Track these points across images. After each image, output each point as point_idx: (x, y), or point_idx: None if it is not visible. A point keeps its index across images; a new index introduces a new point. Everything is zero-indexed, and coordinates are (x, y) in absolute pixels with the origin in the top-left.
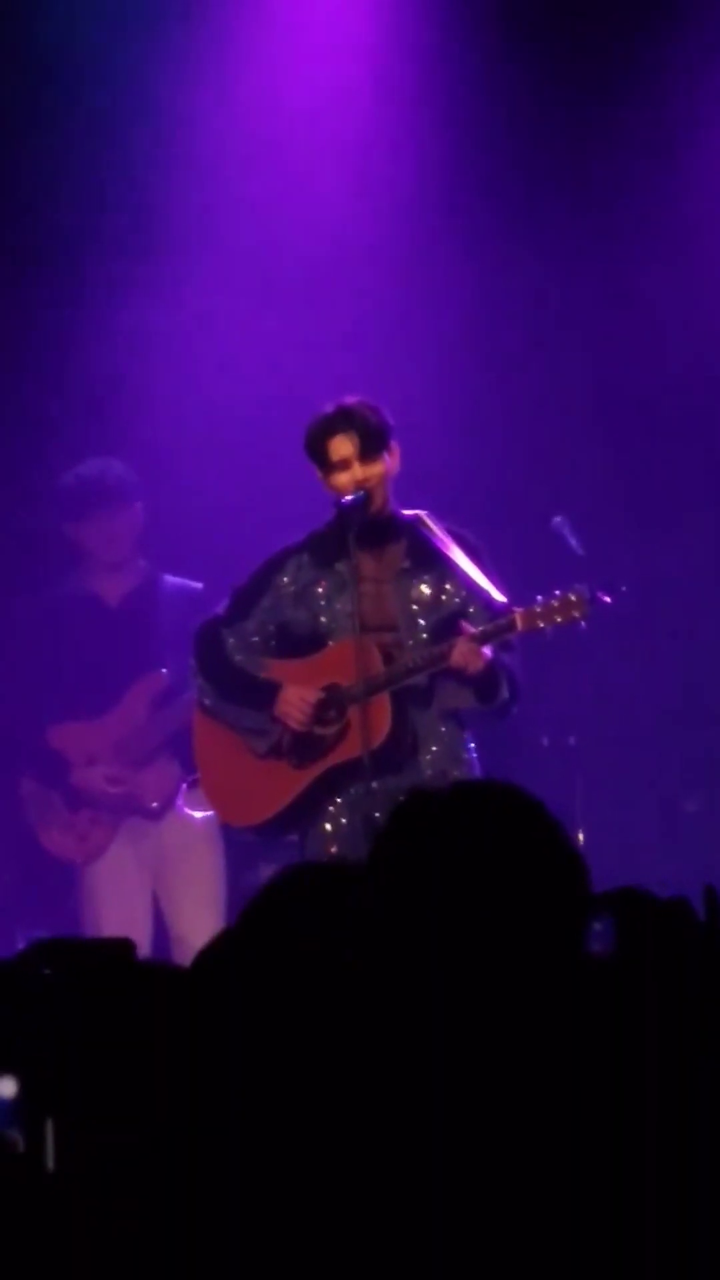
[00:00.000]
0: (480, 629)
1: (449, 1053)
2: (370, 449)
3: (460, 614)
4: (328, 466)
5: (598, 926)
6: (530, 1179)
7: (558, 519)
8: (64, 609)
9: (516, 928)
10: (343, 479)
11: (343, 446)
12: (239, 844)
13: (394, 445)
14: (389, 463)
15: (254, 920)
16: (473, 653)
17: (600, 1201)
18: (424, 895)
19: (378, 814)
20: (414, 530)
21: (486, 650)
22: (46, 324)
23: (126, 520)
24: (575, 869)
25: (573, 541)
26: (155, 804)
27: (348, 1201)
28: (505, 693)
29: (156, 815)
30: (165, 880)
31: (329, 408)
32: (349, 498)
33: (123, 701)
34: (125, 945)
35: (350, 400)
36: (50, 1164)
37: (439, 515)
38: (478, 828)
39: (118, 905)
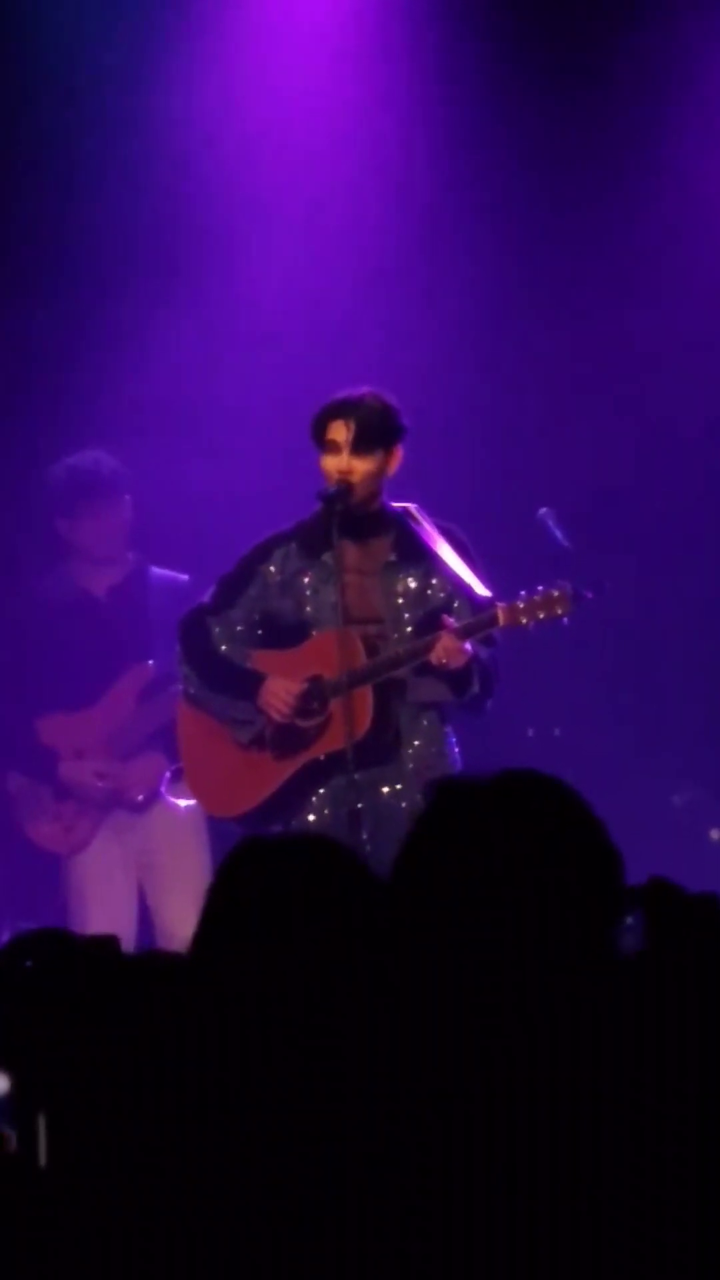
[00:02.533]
0: (463, 624)
1: (477, 1045)
2: (364, 442)
3: (445, 608)
4: (321, 447)
5: (628, 920)
6: (555, 1179)
7: (543, 510)
8: (52, 602)
9: (553, 919)
10: (330, 463)
11: (338, 431)
12: (225, 835)
13: (398, 448)
14: (384, 461)
15: (218, 903)
16: (455, 650)
17: (628, 1201)
18: (460, 882)
19: (360, 805)
20: (402, 523)
21: (467, 645)
22: (41, 318)
23: (117, 514)
24: (612, 865)
25: (558, 533)
26: (140, 796)
27: (352, 1198)
28: (476, 687)
29: (142, 807)
30: (151, 872)
31: (341, 392)
32: (330, 488)
33: (110, 694)
34: (110, 941)
35: (364, 389)
36: (43, 1161)
37: (427, 508)
38: (518, 817)
39: (103, 897)
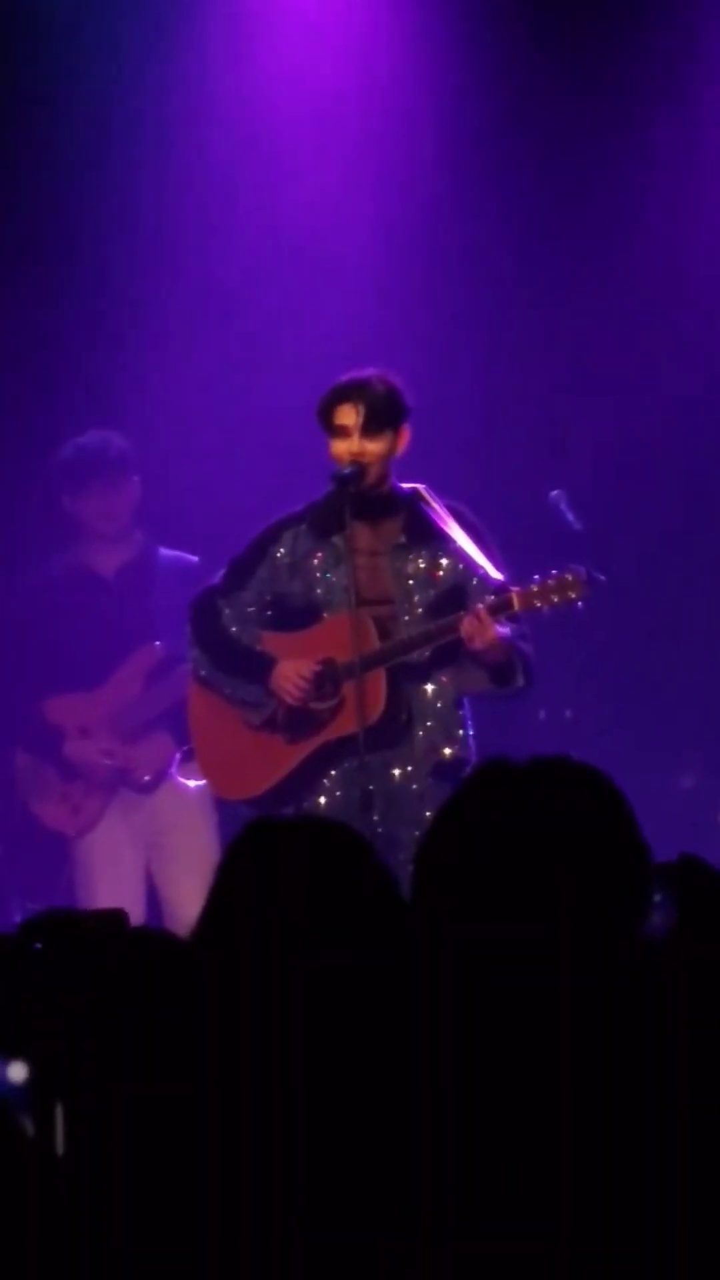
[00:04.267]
0: (484, 605)
1: (493, 1033)
2: (374, 424)
3: (456, 589)
4: (330, 432)
5: (657, 898)
6: (588, 1165)
7: (555, 493)
8: (60, 582)
9: (576, 908)
10: (340, 447)
11: (347, 415)
12: (234, 815)
13: (405, 427)
14: (393, 442)
15: (225, 885)
16: (482, 625)
17: (665, 1188)
18: (485, 865)
19: (371, 787)
20: (412, 505)
21: (503, 629)
22: (47, 304)
23: (125, 494)
24: (640, 861)
25: (570, 516)
26: (147, 777)
27: (364, 1184)
28: (521, 680)
29: (149, 788)
30: (159, 852)
31: (346, 376)
32: (344, 470)
33: (117, 674)
34: (117, 916)
35: (368, 372)
36: (60, 1149)
37: (437, 490)
38: (551, 803)
39: (110, 877)
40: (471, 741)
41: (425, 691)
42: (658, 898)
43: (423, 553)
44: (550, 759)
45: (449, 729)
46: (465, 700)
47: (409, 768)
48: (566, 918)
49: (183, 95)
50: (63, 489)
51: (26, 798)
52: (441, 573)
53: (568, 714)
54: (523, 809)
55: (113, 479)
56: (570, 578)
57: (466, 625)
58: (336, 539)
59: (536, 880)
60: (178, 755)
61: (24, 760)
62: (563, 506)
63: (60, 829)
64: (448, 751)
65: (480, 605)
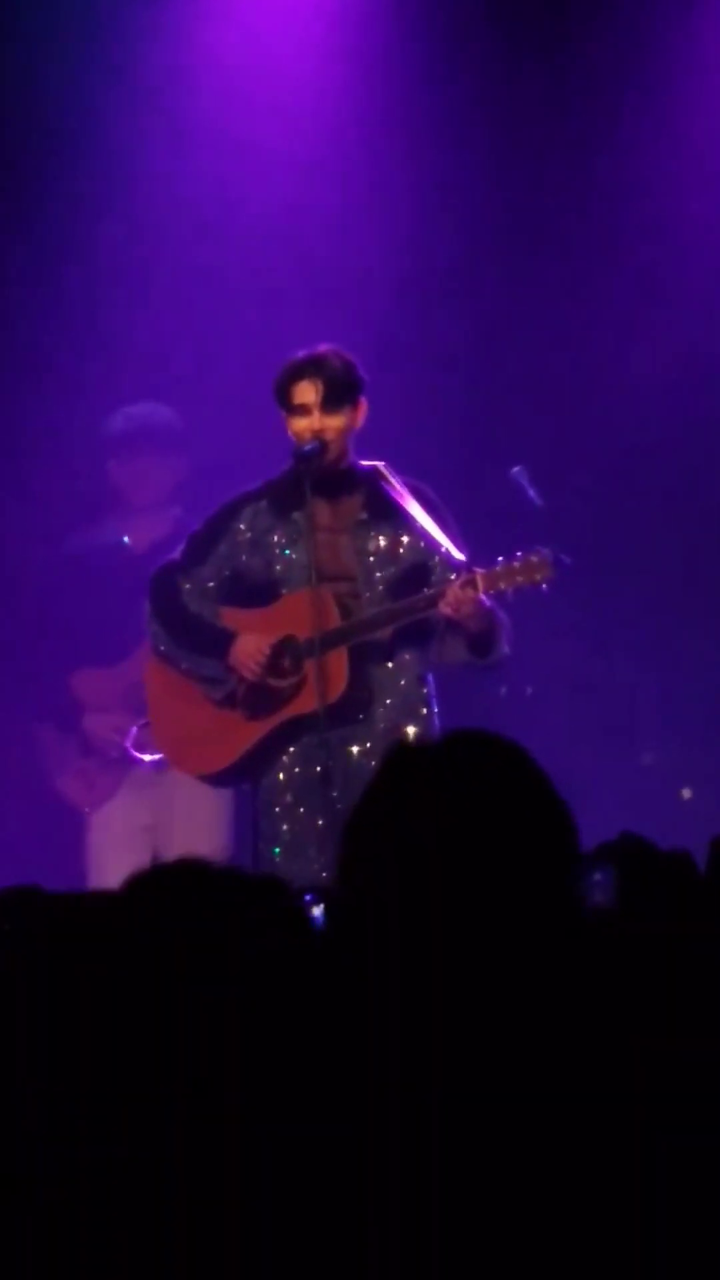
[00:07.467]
0: (443, 585)
1: (445, 1012)
2: (333, 399)
3: (418, 567)
4: (289, 410)
5: (598, 877)
6: (530, 1146)
7: (517, 469)
8: (91, 555)
9: (509, 880)
10: (301, 424)
11: (306, 392)
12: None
13: (362, 401)
14: (352, 417)
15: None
16: (468, 598)
17: (604, 1170)
18: (415, 845)
19: (331, 763)
20: (372, 482)
21: (483, 598)
22: (20, 280)
23: (164, 467)
24: (560, 815)
25: (531, 492)
26: (158, 755)
27: (329, 1174)
28: (505, 648)
29: (160, 764)
30: (165, 829)
31: (301, 353)
32: (305, 446)
33: (138, 651)
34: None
35: (323, 348)
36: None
37: (397, 467)
38: (471, 777)
39: (119, 852)
40: (436, 720)
41: (387, 669)
42: (598, 876)
43: (384, 530)
44: (458, 731)
45: (412, 707)
46: (430, 677)
47: (368, 745)
48: (492, 884)
49: (164, 72)
50: (109, 454)
51: (49, 771)
52: (403, 550)
53: (529, 690)
54: (435, 783)
55: (152, 450)
56: (536, 559)
57: (452, 597)
58: (296, 515)
59: (458, 852)
60: (134, 729)
61: (49, 734)
62: (524, 482)
63: (76, 803)
64: (411, 730)
65: (464, 576)
